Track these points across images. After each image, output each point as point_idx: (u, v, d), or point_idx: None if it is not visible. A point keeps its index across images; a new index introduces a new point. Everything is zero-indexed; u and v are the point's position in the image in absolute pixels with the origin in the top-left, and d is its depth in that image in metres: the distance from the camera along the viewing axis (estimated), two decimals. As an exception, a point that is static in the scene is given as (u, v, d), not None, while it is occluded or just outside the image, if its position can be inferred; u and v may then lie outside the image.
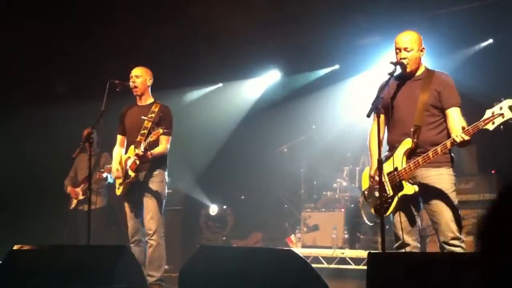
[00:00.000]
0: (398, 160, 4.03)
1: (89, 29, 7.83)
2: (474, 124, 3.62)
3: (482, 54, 7.79)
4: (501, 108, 3.49)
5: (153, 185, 5.26)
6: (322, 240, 7.48)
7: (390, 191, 4.07)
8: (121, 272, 3.64)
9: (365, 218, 4.47)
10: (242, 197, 9.67)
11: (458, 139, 3.63)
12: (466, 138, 3.61)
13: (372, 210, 4.26)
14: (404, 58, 4.05)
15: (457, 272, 2.60)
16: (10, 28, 7.50)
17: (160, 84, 5.75)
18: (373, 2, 7.26)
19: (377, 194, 4.10)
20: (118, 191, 5.38)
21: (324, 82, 9.09)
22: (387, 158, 4.15)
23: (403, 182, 4.01)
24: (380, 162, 3.91)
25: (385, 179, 4.08)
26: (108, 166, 6.91)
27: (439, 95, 4.00)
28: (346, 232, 7.41)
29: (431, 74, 4.10)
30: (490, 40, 7.84)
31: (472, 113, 3.92)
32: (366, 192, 4.36)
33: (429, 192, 3.98)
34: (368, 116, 3.87)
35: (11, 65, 7.93)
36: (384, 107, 4.17)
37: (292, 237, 7.92)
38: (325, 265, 7.13)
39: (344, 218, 7.47)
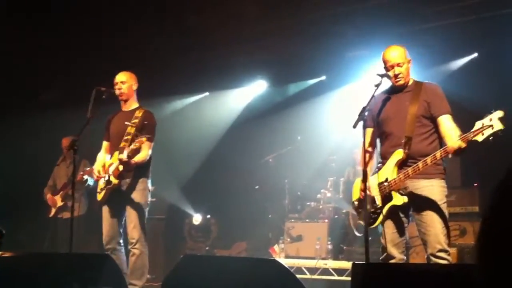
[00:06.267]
0: (389, 171, 4.04)
1: (77, 37, 7.79)
2: (463, 135, 3.61)
3: (467, 68, 7.87)
4: (490, 120, 3.48)
5: (136, 193, 5.20)
6: (305, 251, 7.46)
7: (379, 202, 4.07)
8: (103, 280, 3.61)
9: (354, 229, 4.46)
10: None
11: (455, 145, 3.61)
12: (463, 145, 3.59)
13: (362, 221, 4.24)
14: (400, 73, 4.08)
15: (441, 283, 2.60)
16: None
17: (147, 92, 5.72)
18: (361, 16, 7.31)
19: (367, 205, 4.11)
20: (99, 196, 5.30)
21: (311, 93, 9.12)
22: (379, 169, 4.17)
23: (393, 192, 4.01)
24: (365, 173, 3.93)
25: (376, 190, 4.09)
26: (88, 168, 6.83)
27: (429, 105, 4.02)
28: (329, 243, 7.41)
29: (420, 86, 4.13)
30: (475, 54, 7.92)
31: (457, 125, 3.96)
32: (356, 203, 4.37)
33: (420, 203, 3.98)
34: (354, 127, 3.89)
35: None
36: (375, 120, 4.19)
37: (276, 247, 7.89)
38: (308, 275, 7.09)
39: (328, 229, 7.47)
